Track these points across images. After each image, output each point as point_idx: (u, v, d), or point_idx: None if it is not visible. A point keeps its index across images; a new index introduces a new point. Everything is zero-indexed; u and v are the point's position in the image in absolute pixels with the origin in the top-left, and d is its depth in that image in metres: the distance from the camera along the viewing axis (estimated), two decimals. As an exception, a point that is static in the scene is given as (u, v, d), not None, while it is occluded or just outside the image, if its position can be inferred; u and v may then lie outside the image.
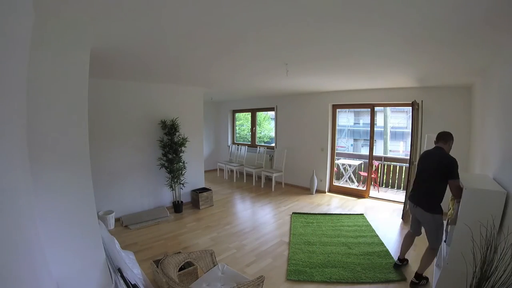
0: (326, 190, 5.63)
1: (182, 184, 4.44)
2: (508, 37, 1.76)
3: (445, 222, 2.64)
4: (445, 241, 2.39)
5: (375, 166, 5.78)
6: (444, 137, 2.34)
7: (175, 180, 4.29)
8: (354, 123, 11.09)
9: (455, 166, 2.12)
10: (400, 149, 9.75)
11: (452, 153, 2.34)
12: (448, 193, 2.65)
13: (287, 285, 2.42)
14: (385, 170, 6.21)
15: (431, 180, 2.27)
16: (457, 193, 2.08)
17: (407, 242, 2.69)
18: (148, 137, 4.21)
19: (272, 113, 7.18)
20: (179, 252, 2.20)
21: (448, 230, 2.35)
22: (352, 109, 9.54)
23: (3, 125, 0.96)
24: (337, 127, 5.69)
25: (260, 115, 7.92)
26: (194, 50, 2.34)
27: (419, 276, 2.36)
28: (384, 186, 6.19)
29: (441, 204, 2.25)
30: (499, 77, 2.24)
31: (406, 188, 4.10)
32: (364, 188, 5.37)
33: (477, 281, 1.40)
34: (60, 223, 1.62)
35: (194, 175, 4.81)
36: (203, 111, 5.07)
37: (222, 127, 8.12)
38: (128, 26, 1.73)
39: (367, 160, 5.49)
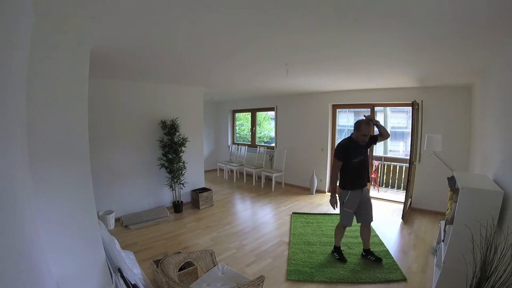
0: (326, 190, 5.62)
1: (182, 184, 4.44)
2: (508, 38, 1.76)
3: (443, 222, 2.64)
4: (442, 241, 2.39)
5: (375, 166, 5.79)
6: (353, 128, 2.65)
7: (175, 180, 4.29)
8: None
9: (337, 149, 2.65)
10: (400, 149, 9.72)
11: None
12: (446, 192, 2.66)
13: (287, 285, 2.43)
14: (385, 170, 6.20)
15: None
16: (331, 168, 2.51)
17: (361, 231, 2.87)
18: (148, 137, 4.21)
19: (272, 113, 7.18)
20: (179, 252, 2.20)
21: (446, 230, 2.36)
22: (352, 109, 9.49)
23: (3, 125, 0.96)
24: (337, 127, 5.69)
25: (260, 115, 7.91)
26: (194, 51, 2.34)
27: (335, 248, 2.90)
28: (384, 186, 6.18)
29: (347, 182, 2.65)
30: (499, 77, 2.24)
31: (406, 188, 4.10)
32: (364, 188, 5.37)
33: (477, 281, 1.40)
34: (60, 223, 1.62)
35: (194, 175, 4.82)
36: (203, 111, 5.07)
37: (222, 127, 8.13)
38: (128, 26, 1.73)
39: (367, 160, 5.48)
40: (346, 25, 1.67)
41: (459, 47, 2.08)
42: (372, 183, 5.56)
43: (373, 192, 5.41)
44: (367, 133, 2.55)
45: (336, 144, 2.69)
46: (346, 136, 2.72)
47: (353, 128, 2.64)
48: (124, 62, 2.76)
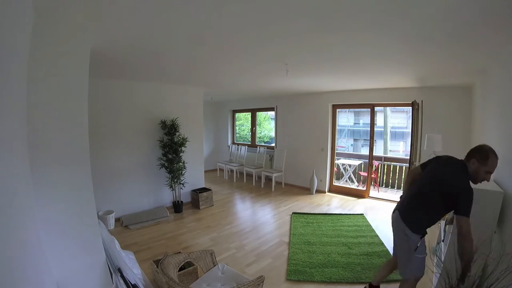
0: (326, 190, 5.63)
1: (182, 184, 4.44)
2: (506, 38, 1.76)
3: (443, 222, 2.64)
4: (442, 241, 2.40)
5: (375, 166, 5.79)
6: (468, 153, 1.66)
7: (175, 180, 4.29)
8: (354, 123, 11.09)
9: (470, 197, 1.50)
10: (400, 149, 9.75)
11: (451, 152, 2.01)
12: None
13: (287, 285, 2.43)
14: (385, 170, 6.21)
15: (427, 192, 1.72)
16: (462, 232, 1.49)
17: (390, 264, 2.15)
18: (148, 137, 4.21)
19: (272, 113, 7.18)
20: (179, 252, 2.20)
21: (446, 230, 2.36)
22: (352, 109, 9.54)
23: (3, 125, 0.96)
24: (337, 127, 5.69)
25: (260, 115, 7.92)
26: (194, 51, 2.34)
27: None
28: (384, 186, 6.19)
29: (426, 226, 1.71)
30: (499, 77, 2.24)
31: (406, 188, 4.09)
32: (364, 188, 5.37)
33: (477, 281, 1.40)
34: (60, 223, 1.62)
35: (194, 175, 4.82)
36: (203, 111, 5.07)
37: (222, 127, 8.13)
38: (128, 26, 1.73)
39: (367, 160, 5.49)
40: (346, 26, 1.67)
41: (458, 48, 2.08)
42: (372, 183, 5.56)
43: (373, 192, 5.42)
44: (493, 171, 1.59)
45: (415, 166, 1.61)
46: (458, 160, 1.73)
47: (469, 156, 1.64)
48: (124, 62, 2.76)
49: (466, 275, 1.47)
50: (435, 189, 1.66)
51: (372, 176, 5.49)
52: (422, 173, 1.87)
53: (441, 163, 1.79)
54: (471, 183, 1.58)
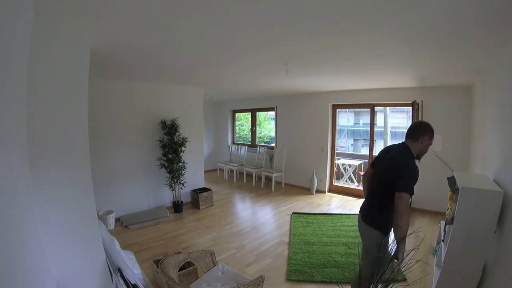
0: (326, 190, 5.63)
1: (182, 184, 4.44)
2: (506, 38, 1.76)
3: (443, 222, 2.64)
4: (442, 241, 2.40)
5: (375, 166, 5.77)
6: (414, 132, 1.69)
7: (175, 180, 4.29)
8: (354, 123, 11.08)
9: (412, 173, 1.54)
10: (400, 149, 9.72)
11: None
12: (446, 192, 2.64)
13: (287, 285, 2.42)
14: (385, 170, 6.19)
15: (379, 186, 1.73)
16: (399, 209, 1.48)
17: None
18: (148, 137, 4.21)
19: (272, 113, 7.18)
20: (179, 252, 2.20)
21: (446, 230, 2.36)
22: (352, 109, 9.50)
23: (3, 125, 0.96)
24: (337, 127, 5.69)
25: (260, 115, 7.92)
26: (195, 52, 2.34)
27: None
28: (384, 186, 6.17)
29: (387, 223, 1.62)
30: (499, 78, 2.24)
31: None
32: (364, 188, 5.36)
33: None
34: (60, 223, 1.62)
35: (194, 175, 4.82)
36: (203, 111, 5.07)
37: (222, 127, 8.13)
38: (129, 26, 1.72)
39: (367, 160, 5.49)
40: (346, 27, 1.67)
41: (459, 48, 2.08)
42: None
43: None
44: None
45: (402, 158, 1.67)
46: (398, 144, 1.81)
47: (413, 134, 1.68)
48: (124, 62, 2.76)
49: (399, 250, 1.55)
50: (385, 179, 1.66)
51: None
52: (375, 171, 1.86)
53: (384, 152, 1.86)
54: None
